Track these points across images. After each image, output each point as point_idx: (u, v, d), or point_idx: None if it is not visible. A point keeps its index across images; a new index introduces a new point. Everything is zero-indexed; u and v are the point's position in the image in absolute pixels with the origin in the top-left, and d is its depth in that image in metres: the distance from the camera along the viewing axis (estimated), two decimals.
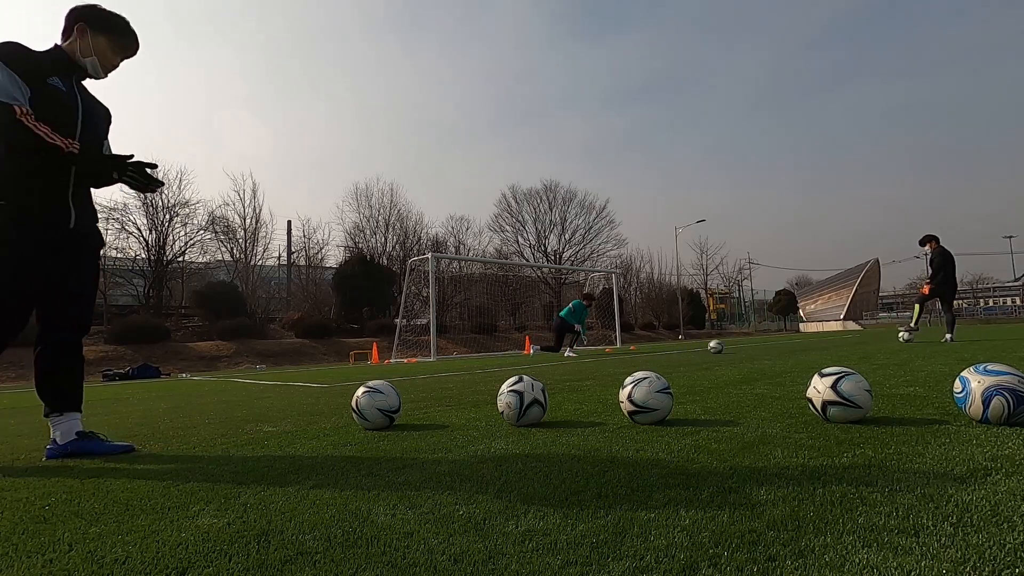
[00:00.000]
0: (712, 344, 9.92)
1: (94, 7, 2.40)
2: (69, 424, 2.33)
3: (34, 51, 2.27)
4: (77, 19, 2.37)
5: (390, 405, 2.63)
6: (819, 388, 2.16)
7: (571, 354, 11.52)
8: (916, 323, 9.36)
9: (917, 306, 9.45)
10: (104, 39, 2.40)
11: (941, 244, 9.26)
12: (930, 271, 9.39)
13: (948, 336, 8.79)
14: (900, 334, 9.76)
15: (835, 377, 2.14)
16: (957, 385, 2.08)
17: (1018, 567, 0.86)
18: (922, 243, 9.54)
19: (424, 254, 21.41)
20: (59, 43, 2.38)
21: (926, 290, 9.28)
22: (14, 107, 2.08)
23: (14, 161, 2.16)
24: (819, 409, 2.15)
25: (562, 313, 12.37)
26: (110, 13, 2.41)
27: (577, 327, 12.01)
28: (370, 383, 2.71)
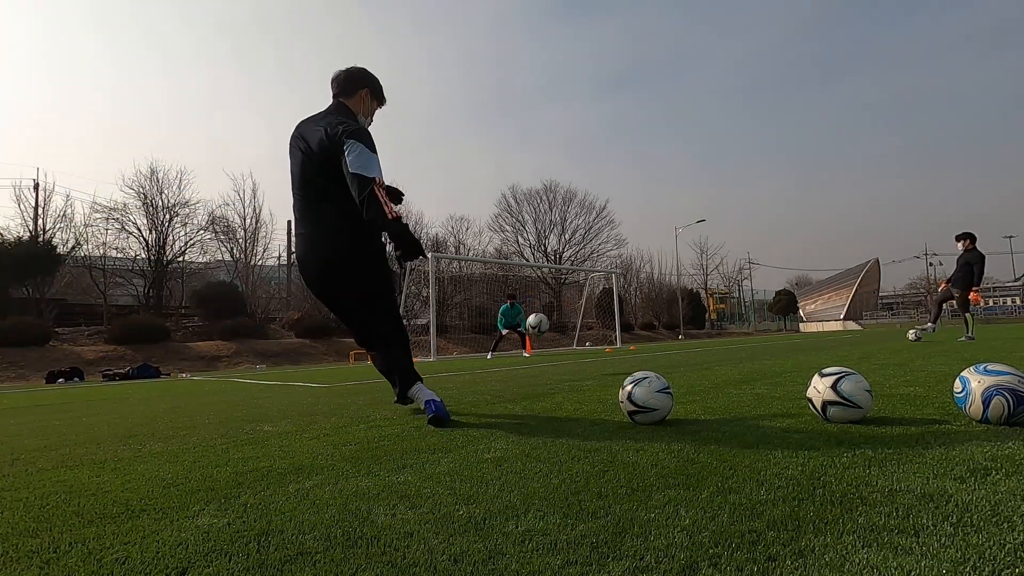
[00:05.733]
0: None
1: (375, 78, 2.94)
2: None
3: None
4: (365, 85, 2.90)
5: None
6: (819, 388, 2.16)
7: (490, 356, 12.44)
8: (972, 331, 9.15)
9: (968, 315, 9.14)
10: (375, 104, 2.99)
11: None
12: (958, 271, 9.21)
13: (931, 326, 9.32)
14: (910, 333, 9.86)
15: (835, 377, 2.14)
16: (957, 385, 2.08)
17: (1018, 567, 0.86)
18: (959, 239, 9.24)
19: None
20: (344, 101, 2.87)
21: (976, 297, 9.10)
22: (376, 179, 2.55)
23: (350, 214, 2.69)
24: (819, 409, 2.15)
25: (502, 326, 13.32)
26: (380, 83, 2.98)
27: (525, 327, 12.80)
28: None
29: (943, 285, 9.58)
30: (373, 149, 2.61)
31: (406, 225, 2.59)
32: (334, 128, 2.63)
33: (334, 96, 2.90)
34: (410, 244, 2.57)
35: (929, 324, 9.66)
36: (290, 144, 2.82)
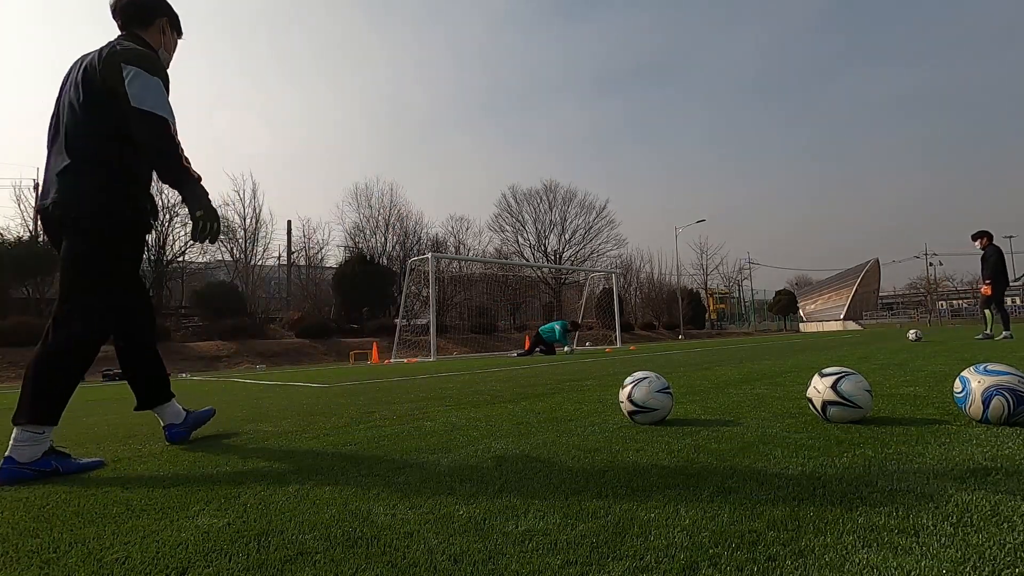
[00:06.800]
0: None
1: (171, 5, 2.45)
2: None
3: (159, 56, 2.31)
4: (163, 13, 2.41)
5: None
6: (819, 388, 2.16)
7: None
8: (991, 329, 9.11)
9: (987, 311, 9.16)
10: (174, 37, 2.49)
11: (993, 241, 9.20)
12: (984, 269, 9.16)
13: (1006, 333, 8.75)
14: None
15: (835, 377, 2.13)
16: (957, 385, 2.08)
17: (1018, 567, 0.86)
18: (975, 238, 9.33)
19: (424, 254, 21.40)
20: (138, 33, 2.32)
21: (988, 291, 9.03)
22: (170, 122, 2.12)
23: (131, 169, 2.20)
24: (819, 409, 2.15)
25: (543, 330, 13.49)
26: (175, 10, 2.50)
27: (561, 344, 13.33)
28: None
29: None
30: (166, 86, 2.20)
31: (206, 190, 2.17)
32: (112, 51, 2.13)
33: (123, 26, 2.34)
34: (214, 215, 2.12)
35: (1004, 332, 8.94)
36: (64, 82, 2.26)
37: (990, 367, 2.00)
